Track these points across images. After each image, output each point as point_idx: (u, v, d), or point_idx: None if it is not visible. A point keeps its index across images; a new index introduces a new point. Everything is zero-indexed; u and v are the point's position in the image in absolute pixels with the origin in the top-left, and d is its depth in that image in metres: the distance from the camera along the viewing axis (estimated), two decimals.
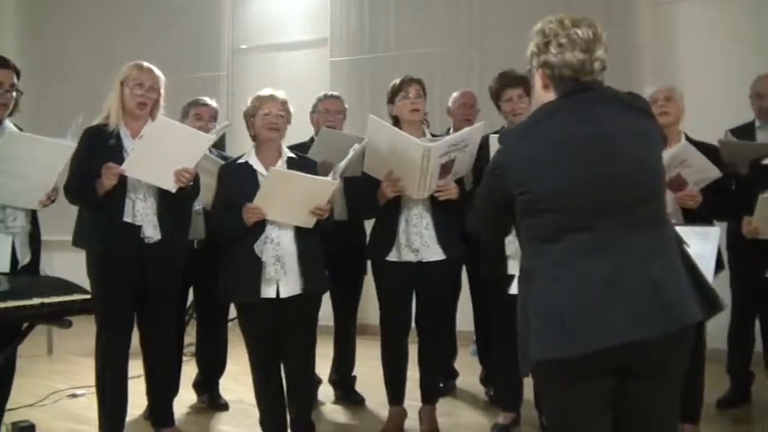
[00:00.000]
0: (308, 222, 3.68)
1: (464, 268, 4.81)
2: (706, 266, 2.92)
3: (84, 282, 3.66)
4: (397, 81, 4.06)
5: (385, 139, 3.86)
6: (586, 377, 2.13)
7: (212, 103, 4.74)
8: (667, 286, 2.08)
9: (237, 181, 3.72)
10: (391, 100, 4.06)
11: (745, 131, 4.51)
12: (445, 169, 3.85)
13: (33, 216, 3.82)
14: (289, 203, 3.61)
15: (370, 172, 3.98)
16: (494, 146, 3.67)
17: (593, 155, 2.10)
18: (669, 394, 2.20)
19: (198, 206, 4.36)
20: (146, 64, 3.90)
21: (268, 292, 3.66)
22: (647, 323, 2.05)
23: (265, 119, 3.71)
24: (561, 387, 2.20)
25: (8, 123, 3.75)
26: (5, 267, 3.64)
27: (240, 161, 3.81)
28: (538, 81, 2.25)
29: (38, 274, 3.85)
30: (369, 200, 4.01)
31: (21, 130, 3.84)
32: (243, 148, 4.03)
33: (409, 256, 3.99)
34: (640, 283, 2.07)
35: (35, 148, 3.68)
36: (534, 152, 2.15)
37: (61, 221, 4.43)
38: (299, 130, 4.52)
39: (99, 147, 3.79)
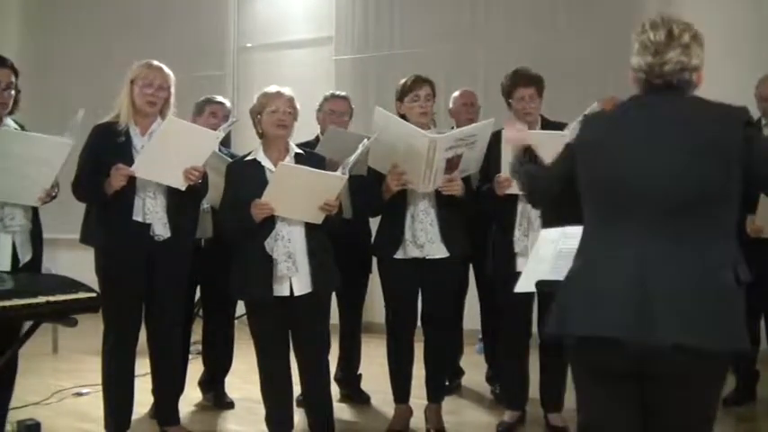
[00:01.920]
0: (317, 218, 3.68)
1: (471, 267, 4.82)
2: None
3: (90, 279, 3.66)
4: (408, 80, 4.03)
5: (391, 130, 3.85)
6: (604, 375, 2.20)
7: (226, 101, 4.74)
8: (667, 300, 2.07)
9: (246, 178, 3.71)
10: (400, 98, 4.04)
11: None
12: (451, 164, 3.85)
13: (34, 214, 3.81)
14: (297, 199, 3.61)
15: (376, 166, 3.97)
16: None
17: (629, 161, 2.15)
18: (689, 406, 2.18)
19: (205, 204, 4.36)
20: (156, 62, 3.90)
21: (281, 290, 3.65)
22: (625, 326, 2.08)
23: (273, 116, 3.71)
24: (585, 384, 2.30)
25: (9, 121, 3.75)
26: (6, 266, 3.64)
27: (248, 158, 3.81)
28: (631, 81, 2.30)
29: (39, 273, 3.85)
30: (374, 196, 4.01)
31: (23, 128, 3.84)
32: (248, 145, 4.03)
33: (414, 252, 3.99)
34: (637, 287, 2.09)
35: (33, 145, 3.68)
36: (590, 140, 2.27)
37: (66, 219, 4.43)
38: (304, 128, 4.52)
39: (108, 144, 3.79)
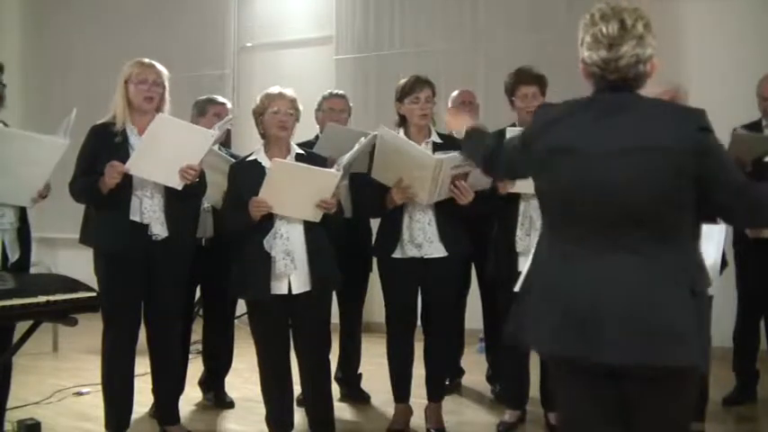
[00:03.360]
0: (315, 216, 3.68)
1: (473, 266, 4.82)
2: (711, 265, 2.92)
3: (89, 279, 3.67)
4: (408, 81, 4.02)
5: (396, 149, 3.85)
6: (576, 373, 2.18)
7: (228, 102, 4.76)
8: (615, 318, 2.03)
9: (247, 178, 3.71)
10: (400, 99, 4.04)
11: (751, 130, 4.50)
12: (457, 179, 3.85)
13: (23, 213, 3.80)
14: (294, 196, 3.61)
15: (379, 179, 3.97)
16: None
17: (579, 168, 2.09)
18: (664, 403, 2.15)
19: (206, 204, 4.36)
20: (147, 60, 3.90)
21: (279, 288, 3.66)
22: (573, 346, 2.08)
23: (274, 117, 3.71)
24: (560, 381, 2.29)
25: None
26: None
27: (249, 159, 3.82)
28: (582, 73, 2.22)
29: (28, 272, 3.84)
30: (376, 202, 4.02)
31: (6, 125, 3.82)
32: (248, 145, 4.03)
33: (413, 252, 3.99)
34: (586, 303, 2.07)
35: (26, 145, 3.66)
36: (545, 145, 2.18)
37: (65, 219, 4.44)
38: (305, 127, 4.52)
39: (105, 144, 3.79)
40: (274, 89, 3.79)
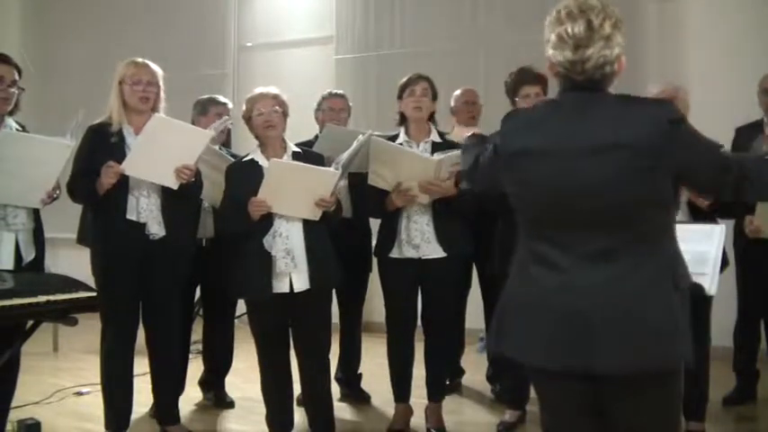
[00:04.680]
0: (314, 215, 3.68)
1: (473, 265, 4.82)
2: (711, 265, 2.92)
3: (89, 279, 3.67)
4: (406, 78, 4.06)
5: (390, 157, 3.87)
6: (553, 378, 2.13)
7: (229, 102, 4.76)
8: (596, 327, 1.98)
9: (244, 178, 3.71)
10: (400, 96, 4.07)
11: (753, 129, 4.50)
12: (457, 178, 3.85)
13: (36, 213, 3.81)
14: (293, 196, 3.61)
15: (377, 185, 3.97)
16: None
17: (550, 170, 2.03)
18: (642, 411, 2.09)
19: (206, 204, 4.36)
20: (141, 60, 3.90)
21: (280, 287, 3.66)
22: (551, 358, 2.05)
23: (260, 118, 3.72)
24: (539, 386, 2.27)
25: (10, 122, 3.75)
26: (9, 264, 3.64)
27: (246, 159, 3.82)
28: (548, 70, 2.15)
29: (42, 272, 3.85)
30: (376, 203, 4.04)
31: (24, 129, 3.84)
32: (248, 145, 4.03)
33: (410, 253, 3.99)
34: (564, 315, 2.02)
35: (34, 147, 3.68)
36: (516, 150, 2.11)
37: (66, 219, 4.44)
38: (304, 128, 4.52)
39: (101, 145, 3.79)
40: (256, 91, 3.81)
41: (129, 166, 3.71)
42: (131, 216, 3.80)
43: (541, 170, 2.05)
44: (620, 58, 2.05)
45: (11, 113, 3.74)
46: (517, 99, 4.14)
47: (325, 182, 3.66)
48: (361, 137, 3.83)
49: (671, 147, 1.96)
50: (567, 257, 2.04)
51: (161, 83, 3.90)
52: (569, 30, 2.00)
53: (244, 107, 3.80)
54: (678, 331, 2.00)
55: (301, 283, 3.68)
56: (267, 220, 3.64)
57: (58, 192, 3.81)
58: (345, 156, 3.75)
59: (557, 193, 2.03)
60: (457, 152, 3.85)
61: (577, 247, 2.03)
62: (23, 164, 3.61)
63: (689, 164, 2.02)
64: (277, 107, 3.74)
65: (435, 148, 4.00)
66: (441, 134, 4.11)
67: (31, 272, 3.67)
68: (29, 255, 3.74)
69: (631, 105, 2.02)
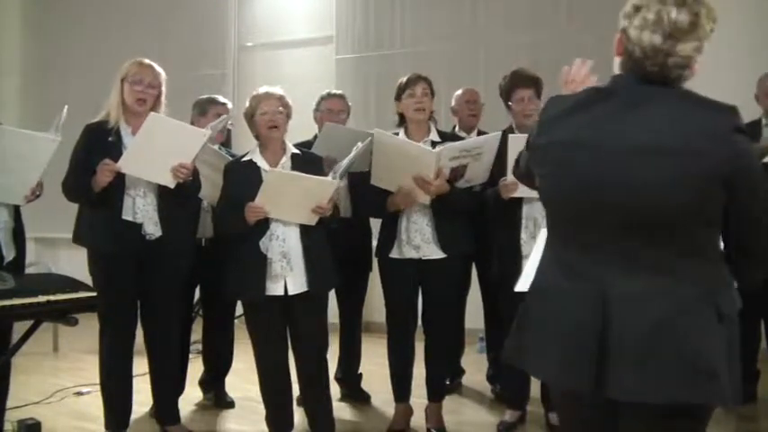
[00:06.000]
0: (311, 220, 3.68)
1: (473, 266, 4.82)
2: None
3: (89, 279, 3.67)
4: (405, 78, 4.04)
5: (394, 150, 3.86)
6: (572, 400, 2.02)
7: (228, 102, 4.76)
8: (626, 349, 1.80)
9: (242, 179, 3.71)
10: (398, 97, 4.04)
11: (751, 129, 4.49)
12: (456, 173, 3.85)
13: (16, 212, 3.78)
14: (290, 202, 3.61)
15: (380, 184, 3.96)
16: (512, 145, 3.66)
17: (592, 167, 1.83)
18: None
19: (206, 204, 4.36)
20: (146, 60, 3.89)
21: (275, 289, 3.65)
22: (576, 379, 1.87)
23: (263, 118, 3.71)
24: (558, 404, 2.20)
25: None
26: None
27: (245, 159, 3.81)
28: (616, 43, 1.90)
29: (23, 271, 3.82)
30: (377, 204, 4.03)
31: None
32: (248, 145, 4.03)
33: (410, 253, 3.99)
34: (591, 333, 1.83)
35: (17, 142, 3.65)
36: (553, 142, 1.92)
37: (65, 219, 4.43)
38: (304, 128, 4.52)
39: (98, 143, 3.78)
40: (261, 89, 3.79)
41: (126, 164, 3.69)
42: (127, 216, 3.79)
43: (582, 164, 1.84)
44: (696, 65, 1.87)
45: None
46: (511, 103, 4.14)
47: (323, 190, 3.66)
48: (360, 144, 3.82)
49: (733, 161, 1.76)
50: (599, 266, 1.86)
51: (163, 86, 3.89)
52: (672, 15, 1.77)
53: (247, 104, 3.78)
54: (719, 367, 1.80)
55: (296, 285, 3.67)
56: (263, 222, 3.64)
57: (40, 189, 3.77)
58: (343, 164, 3.74)
59: (596, 191, 1.83)
60: (455, 144, 3.86)
61: (612, 256, 1.85)
62: (6, 159, 3.58)
63: (739, 187, 1.79)
64: (281, 108, 3.74)
65: (435, 147, 4.00)
66: (440, 133, 4.10)
67: (12, 272, 3.56)
68: (9, 254, 3.71)
69: (694, 103, 1.83)
